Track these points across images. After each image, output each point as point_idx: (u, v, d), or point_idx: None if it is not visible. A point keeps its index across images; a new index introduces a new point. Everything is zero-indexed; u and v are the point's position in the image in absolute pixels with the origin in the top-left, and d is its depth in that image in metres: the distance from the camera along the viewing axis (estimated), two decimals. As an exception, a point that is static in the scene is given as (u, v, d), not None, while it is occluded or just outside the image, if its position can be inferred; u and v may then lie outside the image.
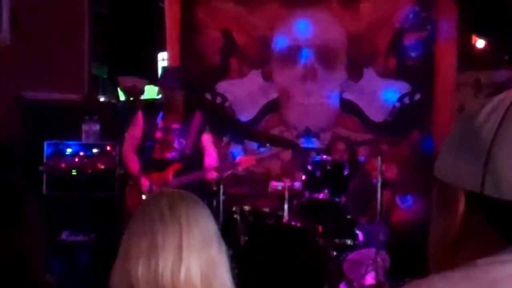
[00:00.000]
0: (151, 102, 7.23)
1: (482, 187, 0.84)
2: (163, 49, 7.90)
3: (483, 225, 0.86)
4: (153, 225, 1.60)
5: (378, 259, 4.94)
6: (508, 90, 0.90)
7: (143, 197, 5.14)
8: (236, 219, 5.33)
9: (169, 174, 5.27)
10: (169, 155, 5.38)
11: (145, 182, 5.23)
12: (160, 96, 5.60)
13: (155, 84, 7.43)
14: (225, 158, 6.02)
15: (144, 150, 5.39)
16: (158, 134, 5.37)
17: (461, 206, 0.88)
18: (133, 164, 5.40)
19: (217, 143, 5.62)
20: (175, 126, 5.41)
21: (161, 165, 5.31)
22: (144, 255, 1.58)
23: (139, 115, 5.48)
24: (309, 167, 5.37)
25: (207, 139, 5.46)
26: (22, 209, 1.74)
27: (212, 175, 5.24)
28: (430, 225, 0.96)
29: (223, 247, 1.67)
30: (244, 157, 5.39)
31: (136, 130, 5.46)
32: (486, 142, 0.85)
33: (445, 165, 0.91)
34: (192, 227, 1.61)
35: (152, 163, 5.31)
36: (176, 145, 5.38)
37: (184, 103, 5.46)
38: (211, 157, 5.41)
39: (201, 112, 5.51)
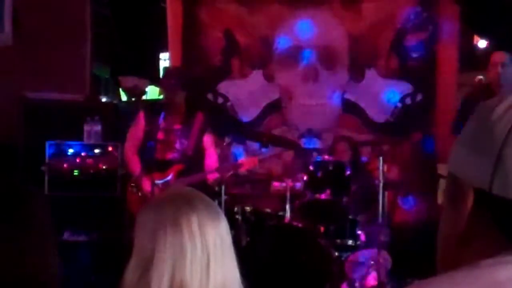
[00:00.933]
0: (152, 102, 7.23)
1: (491, 186, 0.84)
2: (165, 49, 7.90)
3: (488, 223, 0.86)
4: (182, 243, 1.58)
5: (380, 260, 4.94)
6: None
7: (158, 188, 5.10)
8: (237, 219, 5.33)
9: (171, 175, 5.28)
10: (171, 155, 5.38)
11: (146, 183, 5.23)
12: (161, 96, 5.61)
13: (157, 85, 7.43)
14: (227, 159, 6.02)
15: (145, 150, 5.39)
16: (160, 135, 5.38)
17: (469, 202, 0.88)
18: (135, 164, 5.41)
19: (218, 143, 5.62)
20: (177, 126, 5.41)
21: (163, 165, 5.32)
22: (169, 271, 1.56)
23: (141, 115, 5.49)
24: (311, 168, 5.36)
25: (208, 140, 5.47)
26: (32, 215, 1.70)
27: (214, 176, 5.24)
28: (440, 219, 0.95)
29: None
30: (246, 158, 5.38)
31: (137, 130, 5.46)
32: (498, 141, 0.85)
33: (457, 160, 0.91)
34: (219, 255, 1.62)
35: (154, 164, 5.31)
36: (177, 145, 5.38)
37: (186, 103, 5.46)
38: (211, 158, 5.42)
39: (202, 112, 5.52)
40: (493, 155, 0.84)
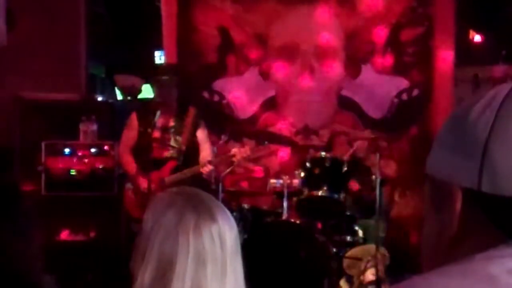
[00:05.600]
0: (145, 102, 7.21)
1: (479, 184, 0.83)
2: (160, 47, 7.89)
3: (481, 222, 0.85)
4: (203, 253, 1.59)
5: (378, 255, 4.94)
6: (500, 85, 0.89)
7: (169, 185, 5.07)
8: (235, 217, 5.31)
9: (166, 172, 5.28)
10: (167, 153, 5.38)
11: (143, 182, 5.23)
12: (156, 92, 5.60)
13: (150, 83, 7.41)
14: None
15: (142, 150, 5.39)
16: (156, 133, 5.37)
17: (458, 204, 0.88)
18: (130, 165, 5.40)
19: (215, 141, 5.61)
20: (171, 124, 5.41)
21: (160, 164, 5.31)
22: (190, 279, 1.57)
23: (133, 116, 5.48)
24: (308, 164, 5.37)
25: (202, 134, 5.46)
26: (13, 209, 1.71)
27: (208, 168, 5.21)
28: (424, 225, 0.95)
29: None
30: (238, 148, 5.34)
31: (130, 131, 5.46)
32: (481, 138, 0.84)
33: (439, 162, 0.90)
34: (233, 263, 1.65)
35: (151, 163, 5.31)
36: (172, 143, 5.38)
37: (179, 100, 5.47)
38: (206, 152, 5.41)
39: (194, 108, 5.51)
40: (478, 153, 0.84)
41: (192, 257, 1.58)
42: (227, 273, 1.61)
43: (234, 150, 5.25)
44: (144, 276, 1.58)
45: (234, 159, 5.25)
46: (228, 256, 1.62)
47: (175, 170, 5.29)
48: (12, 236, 1.66)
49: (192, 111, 5.45)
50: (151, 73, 5.85)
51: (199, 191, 1.74)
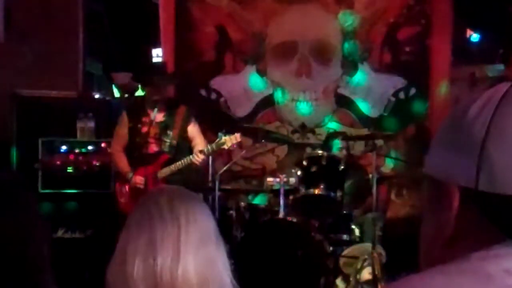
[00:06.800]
0: (136, 98, 7.21)
1: (477, 183, 0.84)
2: (157, 45, 7.88)
3: (478, 221, 0.86)
4: (151, 223, 1.58)
5: (374, 254, 4.94)
6: (498, 84, 0.89)
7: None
8: (231, 215, 5.33)
9: (158, 166, 5.30)
10: (160, 148, 5.40)
11: (138, 178, 5.25)
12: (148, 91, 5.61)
13: (143, 81, 7.40)
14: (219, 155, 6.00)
15: (134, 146, 5.41)
16: (149, 129, 5.38)
17: (456, 203, 0.88)
18: (122, 163, 5.42)
19: (212, 139, 5.61)
20: (163, 119, 5.42)
21: (154, 159, 5.34)
22: (142, 253, 1.55)
23: (124, 114, 5.50)
24: (305, 163, 5.37)
25: (193, 129, 5.46)
26: (24, 204, 1.70)
27: (200, 158, 5.20)
28: (422, 224, 0.95)
29: (222, 245, 1.65)
30: (228, 136, 5.31)
31: (122, 129, 5.48)
32: (479, 137, 0.85)
33: (436, 162, 0.91)
34: (191, 225, 1.59)
35: (145, 158, 5.33)
36: (164, 138, 5.39)
37: (174, 97, 5.49)
38: (200, 145, 5.41)
39: (185, 105, 5.52)
40: (475, 153, 0.84)
41: (142, 234, 1.57)
42: (181, 240, 1.56)
43: (225, 138, 5.23)
44: (112, 265, 1.61)
45: (224, 146, 5.22)
46: (182, 222, 1.58)
47: (168, 163, 5.30)
48: (22, 232, 1.65)
49: (182, 109, 5.47)
50: (141, 72, 5.90)
51: (170, 186, 1.77)
